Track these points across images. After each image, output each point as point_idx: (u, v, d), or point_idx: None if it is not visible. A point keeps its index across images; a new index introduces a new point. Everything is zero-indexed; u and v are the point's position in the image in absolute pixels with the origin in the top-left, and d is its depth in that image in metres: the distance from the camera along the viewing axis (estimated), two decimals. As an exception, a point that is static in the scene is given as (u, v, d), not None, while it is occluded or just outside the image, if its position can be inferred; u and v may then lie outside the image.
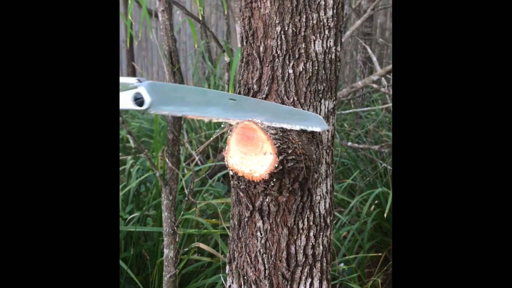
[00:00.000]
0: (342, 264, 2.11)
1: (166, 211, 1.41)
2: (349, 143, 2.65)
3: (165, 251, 1.44)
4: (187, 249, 1.85)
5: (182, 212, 1.42)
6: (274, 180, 0.77)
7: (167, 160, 1.38)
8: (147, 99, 0.79)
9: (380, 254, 2.29)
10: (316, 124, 0.82)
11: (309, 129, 0.82)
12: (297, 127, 0.80)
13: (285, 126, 0.79)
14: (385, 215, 2.18)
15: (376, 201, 2.40)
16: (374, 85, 2.52)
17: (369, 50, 2.77)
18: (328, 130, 0.87)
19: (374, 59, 2.76)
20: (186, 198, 1.37)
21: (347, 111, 2.83)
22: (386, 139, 2.82)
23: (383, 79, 2.77)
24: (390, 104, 2.70)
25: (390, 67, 2.38)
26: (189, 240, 1.98)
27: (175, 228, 1.43)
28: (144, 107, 0.77)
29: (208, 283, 1.81)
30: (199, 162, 2.93)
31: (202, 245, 1.82)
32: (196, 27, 5.64)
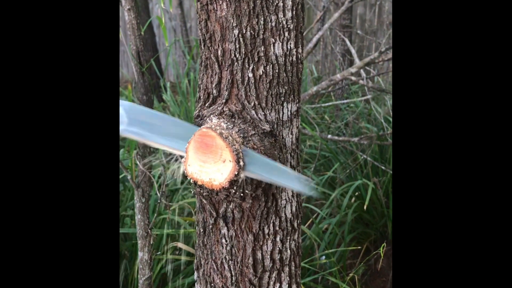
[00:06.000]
0: (323, 258, 2.11)
1: (139, 213, 1.39)
2: (329, 136, 2.64)
3: (140, 254, 1.42)
4: (166, 249, 1.84)
5: (155, 214, 1.41)
6: (235, 187, 0.76)
7: (138, 162, 1.35)
8: (124, 121, 0.77)
9: (360, 247, 2.30)
10: (299, 186, 0.79)
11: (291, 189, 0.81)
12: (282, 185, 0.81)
13: (268, 180, 0.78)
14: (365, 206, 2.19)
15: (357, 193, 2.41)
16: (353, 78, 2.51)
17: (348, 42, 2.75)
18: (291, 134, 0.85)
19: (353, 51, 2.75)
20: (159, 201, 1.35)
21: (327, 104, 2.82)
22: (366, 131, 2.82)
23: (362, 71, 2.76)
24: (369, 96, 2.70)
25: (368, 59, 2.37)
26: (169, 239, 1.97)
27: (149, 230, 1.41)
28: (121, 128, 0.76)
29: (188, 282, 1.81)
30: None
31: (180, 244, 1.80)
32: (175, 21, 5.56)
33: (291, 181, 0.78)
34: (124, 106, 0.77)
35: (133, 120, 0.76)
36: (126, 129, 0.76)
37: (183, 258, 1.86)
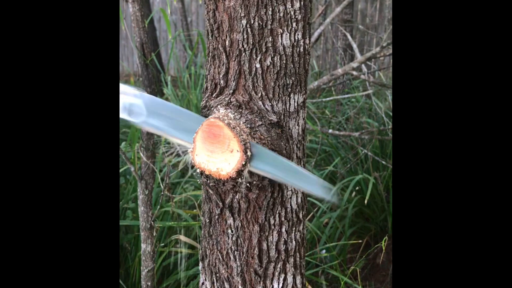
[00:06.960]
0: (324, 251, 2.12)
1: (142, 205, 1.39)
2: (330, 130, 2.65)
3: (143, 245, 1.43)
4: (168, 241, 1.84)
5: (158, 206, 1.41)
6: (242, 177, 0.76)
7: (141, 154, 1.35)
8: (142, 113, 0.77)
9: (361, 241, 2.31)
10: (318, 190, 0.78)
11: (309, 192, 0.80)
12: (299, 188, 0.80)
13: (285, 183, 0.78)
14: (365, 201, 2.20)
15: (357, 188, 2.42)
16: (354, 72, 2.51)
17: (349, 37, 2.75)
18: (298, 125, 0.85)
19: (355, 46, 2.75)
20: (162, 193, 1.36)
21: (328, 99, 2.82)
22: (367, 126, 2.83)
23: (363, 66, 2.76)
24: (371, 91, 2.70)
25: (370, 54, 2.37)
26: (170, 232, 1.97)
27: (152, 222, 1.41)
28: (136, 120, 0.76)
29: (189, 275, 1.81)
30: (180, 152, 2.90)
31: (182, 237, 1.81)
32: (176, 15, 5.54)
33: (305, 182, 0.77)
34: (144, 98, 0.76)
35: (153, 113, 0.76)
36: (145, 121, 0.77)
37: (185, 251, 1.87)
